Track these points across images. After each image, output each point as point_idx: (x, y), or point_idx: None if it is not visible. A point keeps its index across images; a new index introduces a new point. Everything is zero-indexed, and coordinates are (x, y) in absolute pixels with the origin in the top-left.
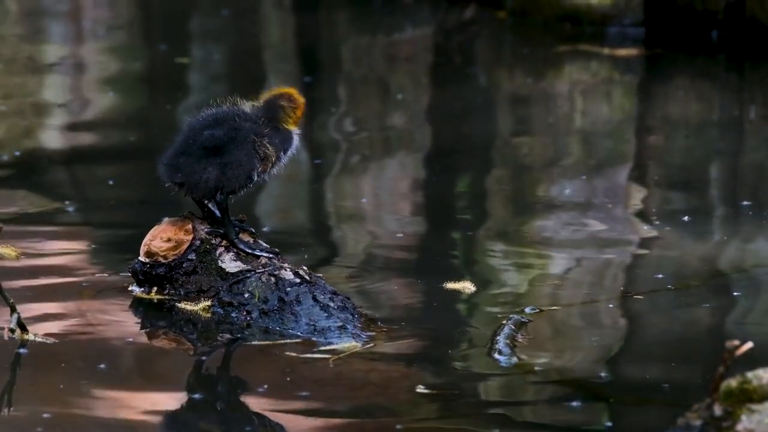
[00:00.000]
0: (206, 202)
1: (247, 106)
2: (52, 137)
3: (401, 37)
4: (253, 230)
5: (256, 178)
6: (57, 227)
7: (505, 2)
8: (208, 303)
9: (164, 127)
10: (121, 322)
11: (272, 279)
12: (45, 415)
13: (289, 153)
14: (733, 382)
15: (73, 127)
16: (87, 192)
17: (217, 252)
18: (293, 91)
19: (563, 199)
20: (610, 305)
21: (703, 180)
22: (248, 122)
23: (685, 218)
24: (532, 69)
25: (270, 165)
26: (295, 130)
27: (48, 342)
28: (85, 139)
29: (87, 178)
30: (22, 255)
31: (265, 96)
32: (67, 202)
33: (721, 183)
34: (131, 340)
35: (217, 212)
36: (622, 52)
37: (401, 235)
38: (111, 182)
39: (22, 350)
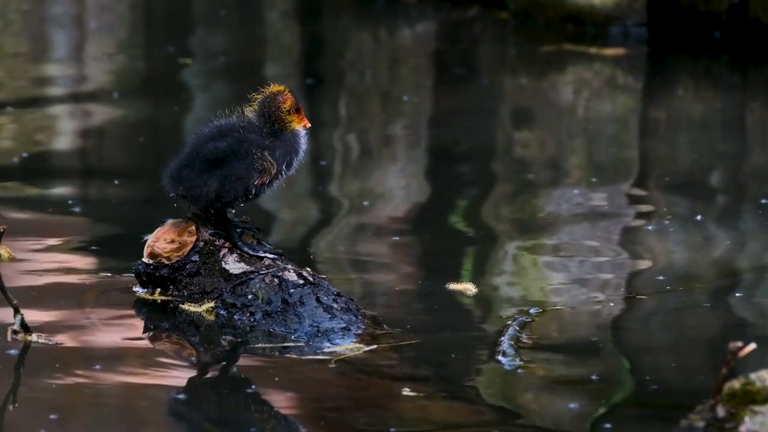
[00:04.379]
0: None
1: (251, 114)
2: (58, 138)
3: (404, 37)
4: (258, 228)
5: (254, 191)
6: (62, 227)
7: (507, 3)
8: (212, 304)
9: (171, 128)
10: (125, 323)
11: (276, 280)
12: (51, 417)
13: (294, 164)
14: (736, 384)
15: (79, 128)
16: (92, 192)
17: (221, 253)
18: (277, 89)
19: (567, 200)
20: (614, 305)
21: (707, 181)
22: (253, 133)
23: (698, 217)
24: (527, 70)
25: (268, 179)
26: (301, 130)
27: (51, 343)
28: (92, 139)
29: (93, 178)
30: (23, 255)
31: (256, 103)
32: (71, 202)
33: (725, 184)
34: (134, 341)
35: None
36: (610, 51)
37: (404, 236)
38: (116, 182)
39: (25, 352)
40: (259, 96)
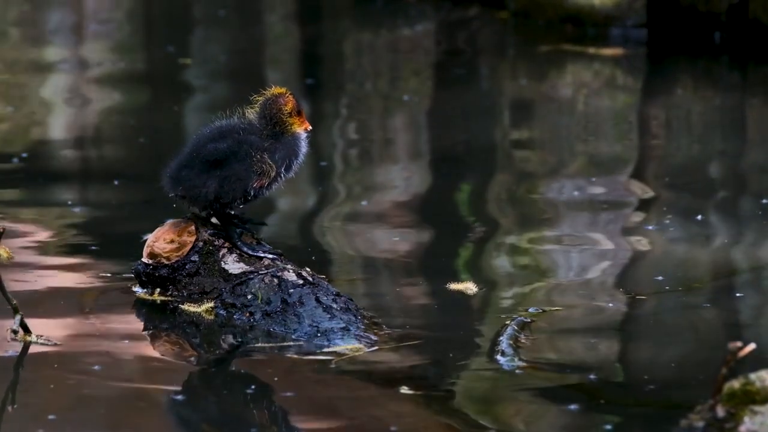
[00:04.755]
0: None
1: (252, 115)
2: (58, 138)
3: (404, 37)
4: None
5: (253, 193)
6: (62, 228)
7: (507, 3)
8: (211, 304)
9: (171, 128)
10: (124, 324)
11: (275, 280)
12: (50, 417)
13: (294, 167)
14: (735, 384)
15: (78, 129)
16: (92, 192)
17: (220, 253)
18: (278, 92)
19: (566, 200)
20: (613, 305)
21: (707, 180)
22: (253, 135)
23: (698, 217)
24: (527, 70)
25: (268, 181)
26: (302, 133)
27: (51, 343)
28: (91, 140)
29: (92, 178)
30: (22, 255)
31: (258, 105)
32: (71, 202)
33: (725, 183)
34: (134, 341)
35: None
36: (609, 51)
37: (404, 235)
38: (116, 183)
39: (25, 352)
40: (260, 98)
